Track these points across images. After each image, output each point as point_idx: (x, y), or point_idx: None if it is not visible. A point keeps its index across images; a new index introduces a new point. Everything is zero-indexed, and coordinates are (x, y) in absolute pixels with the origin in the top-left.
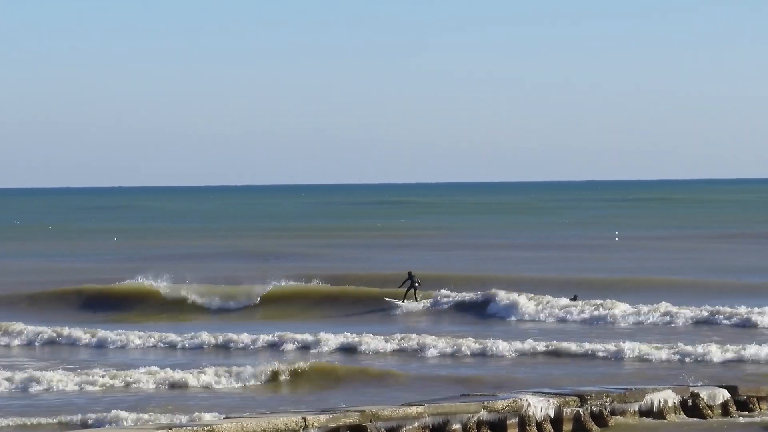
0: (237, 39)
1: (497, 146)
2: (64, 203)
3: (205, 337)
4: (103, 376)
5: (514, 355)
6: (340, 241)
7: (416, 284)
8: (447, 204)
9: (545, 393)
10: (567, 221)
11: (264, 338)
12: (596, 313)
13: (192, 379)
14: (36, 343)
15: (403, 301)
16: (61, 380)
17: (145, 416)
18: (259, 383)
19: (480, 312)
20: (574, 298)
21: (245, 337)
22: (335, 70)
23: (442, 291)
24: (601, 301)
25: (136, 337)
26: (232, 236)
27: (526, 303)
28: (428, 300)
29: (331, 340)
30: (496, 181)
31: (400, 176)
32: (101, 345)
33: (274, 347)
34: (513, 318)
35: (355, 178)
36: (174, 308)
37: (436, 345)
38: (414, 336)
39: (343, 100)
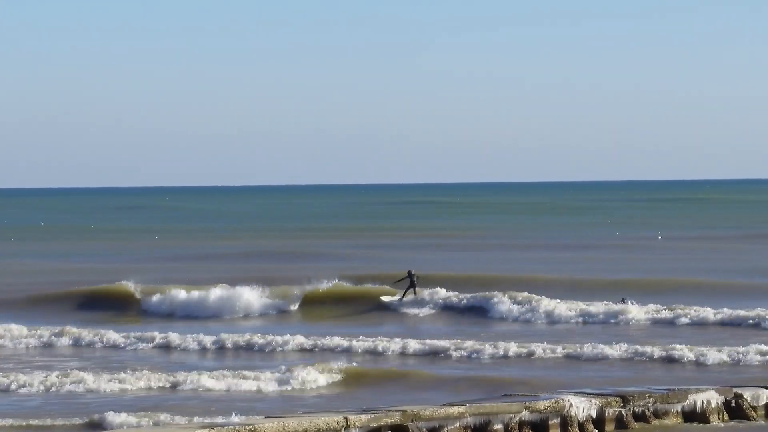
0: (237, 39)
1: (501, 146)
2: (85, 203)
3: (240, 338)
4: (142, 378)
5: (560, 357)
6: (383, 241)
7: (415, 283)
8: (479, 204)
9: (587, 393)
10: (609, 221)
11: (301, 340)
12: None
13: (231, 381)
14: (100, 344)
15: (401, 299)
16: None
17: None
18: (297, 386)
19: (517, 314)
20: (623, 301)
21: (285, 340)
22: (337, 70)
23: (488, 294)
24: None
25: (177, 338)
26: (270, 236)
27: (548, 304)
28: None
29: (364, 343)
30: (508, 182)
31: (405, 176)
32: (144, 345)
33: (311, 350)
34: (543, 321)
35: (363, 179)
36: (216, 308)
37: (464, 347)
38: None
39: (344, 100)
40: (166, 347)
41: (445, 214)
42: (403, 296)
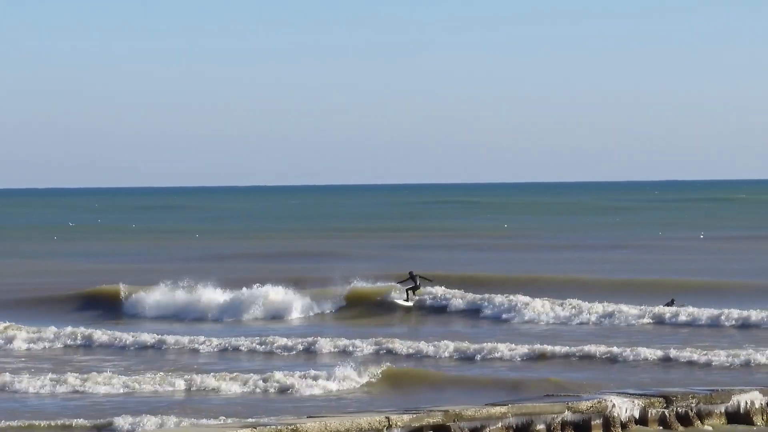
0: (239, 39)
1: (518, 146)
2: (104, 203)
3: (280, 340)
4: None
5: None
6: (422, 242)
7: (417, 284)
8: (514, 204)
9: (629, 394)
10: (651, 221)
11: (336, 342)
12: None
13: (270, 383)
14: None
15: (407, 300)
16: (163, 380)
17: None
18: (334, 387)
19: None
20: (671, 303)
21: (316, 341)
22: (336, 70)
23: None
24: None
25: (216, 339)
26: (306, 236)
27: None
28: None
29: (408, 345)
30: (532, 182)
31: (408, 177)
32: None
33: (348, 351)
34: (579, 322)
35: (365, 179)
36: (257, 309)
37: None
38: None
39: (345, 99)
40: (194, 350)
41: (475, 214)
42: (407, 299)
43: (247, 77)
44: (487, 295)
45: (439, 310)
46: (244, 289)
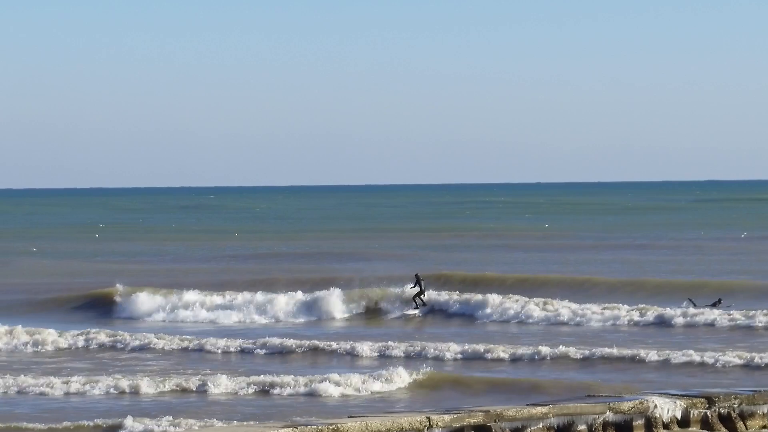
0: (244, 40)
1: (543, 146)
2: (146, 203)
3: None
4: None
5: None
6: (472, 242)
7: (422, 288)
8: (551, 204)
9: (671, 394)
10: (693, 221)
11: (379, 345)
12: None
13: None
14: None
15: (416, 308)
16: (221, 383)
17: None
18: (377, 390)
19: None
20: (718, 302)
21: (368, 347)
22: (365, 73)
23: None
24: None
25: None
26: (346, 236)
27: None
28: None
29: (447, 347)
30: (562, 182)
31: (441, 177)
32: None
33: (389, 355)
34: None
35: (369, 180)
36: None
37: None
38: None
39: (377, 102)
40: (242, 352)
41: (514, 214)
42: (416, 305)
43: (251, 76)
44: (516, 298)
45: (470, 312)
46: (287, 292)
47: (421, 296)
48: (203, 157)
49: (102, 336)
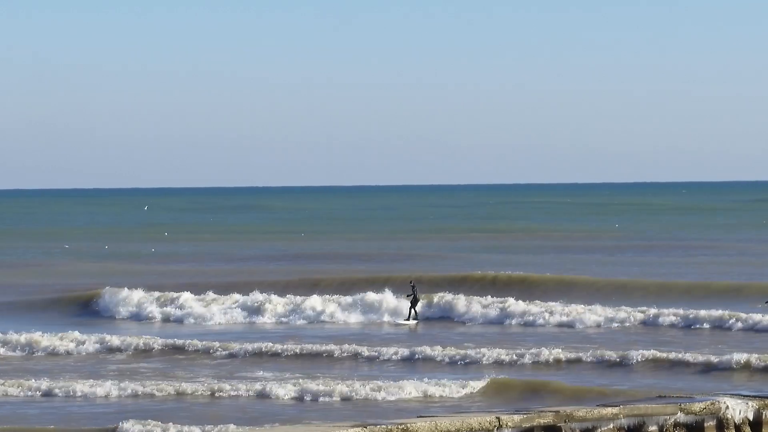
0: (250, 42)
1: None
2: (201, 203)
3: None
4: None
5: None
6: (543, 243)
7: (416, 297)
8: (613, 205)
9: (743, 395)
10: (764, 222)
11: (448, 351)
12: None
13: (367, 389)
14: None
15: (408, 318)
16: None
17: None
18: (439, 393)
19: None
20: None
21: (438, 351)
22: (404, 73)
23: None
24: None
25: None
26: (406, 237)
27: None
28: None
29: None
30: (618, 182)
31: (489, 177)
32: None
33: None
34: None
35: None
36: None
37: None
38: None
39: (352, 102)
40: (301, 354)
41: (581, 215)
42: (409, 315)
43: (252, 76)
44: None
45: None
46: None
47: (414, 307)
48: (208, 157)
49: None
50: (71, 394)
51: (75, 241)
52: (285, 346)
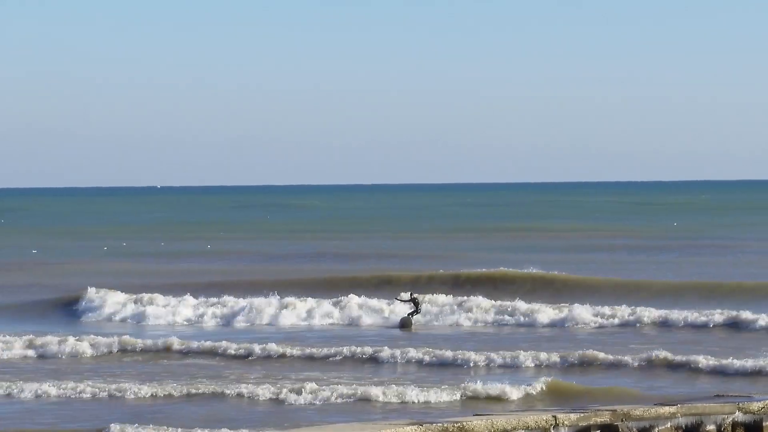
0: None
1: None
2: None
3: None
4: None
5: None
6: (605, 242)
7: (418, 309)
8: (665, 203)
9: None
10: None
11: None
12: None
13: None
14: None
15: (407, 325)
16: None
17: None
18: (507, 397)
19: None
20: None
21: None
22: (336, 71)
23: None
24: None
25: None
26: (450, 237)
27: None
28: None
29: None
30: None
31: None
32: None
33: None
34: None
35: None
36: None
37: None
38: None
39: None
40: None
41: (637, 213)
42: (404, 324)
43: (255, 76)
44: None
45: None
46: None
47: (413, 315)
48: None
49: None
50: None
51: (130, 239)
52: (333, 349)
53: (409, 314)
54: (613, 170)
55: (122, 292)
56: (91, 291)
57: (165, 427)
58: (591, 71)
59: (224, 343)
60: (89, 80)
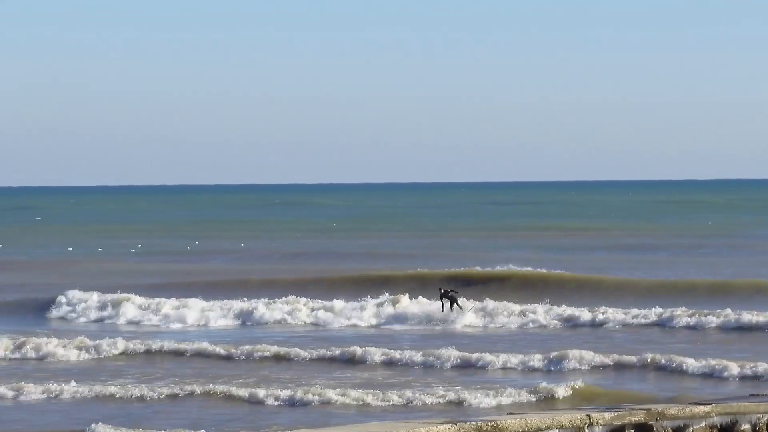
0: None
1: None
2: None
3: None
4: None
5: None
6: (646, 241)
7: (455, 300)
8: (699, 202)
9: None
10: None
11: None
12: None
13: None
14: None
15: (452, 309)
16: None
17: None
18: (535, 400)
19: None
20: None
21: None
22: (336, 71)
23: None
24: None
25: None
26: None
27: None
28: None
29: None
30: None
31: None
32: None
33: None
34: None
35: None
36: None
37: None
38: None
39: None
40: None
41: (674, 211)
42: (452, 308)
43: (259, 77)
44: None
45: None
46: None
47: (457, 303)
48: (198, 156)
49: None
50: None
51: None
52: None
53: (452, 304)
54: (610, 170)
55: (99, 292)
56: (71, 293)
57: (152, 430)
58: (591, 71)
59: (208, 346)
60: (83, 83)
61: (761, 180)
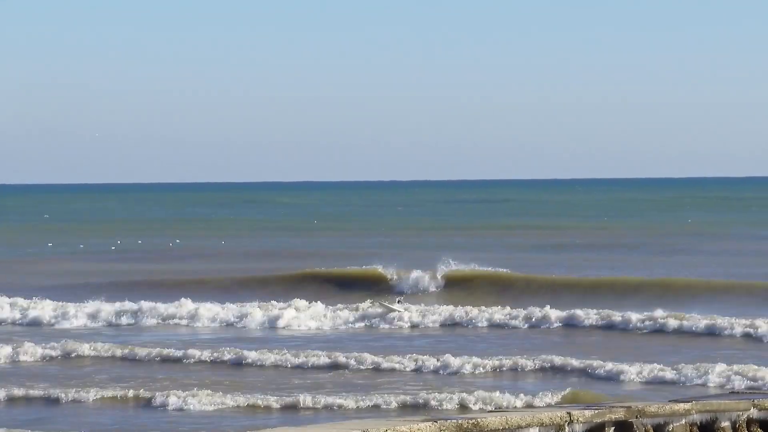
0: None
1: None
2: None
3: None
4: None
5: None
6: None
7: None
8: (667, 201)
9: None
10: None
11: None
12: None
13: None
14: None
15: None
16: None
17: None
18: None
19: None
20: None
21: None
22: (335, 69)
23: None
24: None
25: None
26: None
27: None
28: None
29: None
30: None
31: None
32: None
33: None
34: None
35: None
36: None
37: None
38: None
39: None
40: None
41: (655, 209)
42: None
43: (262, 77)
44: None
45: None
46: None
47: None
48: (194, 155)
49: None
50: None
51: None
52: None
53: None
54: (610, 169)
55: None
56: None
57: None
58: (591, 71)
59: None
60: (84, 83)
61: (762, 178)
